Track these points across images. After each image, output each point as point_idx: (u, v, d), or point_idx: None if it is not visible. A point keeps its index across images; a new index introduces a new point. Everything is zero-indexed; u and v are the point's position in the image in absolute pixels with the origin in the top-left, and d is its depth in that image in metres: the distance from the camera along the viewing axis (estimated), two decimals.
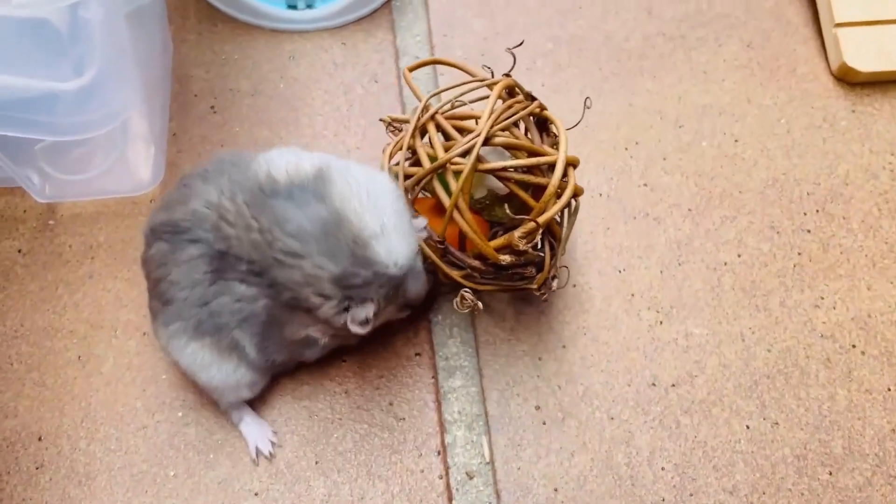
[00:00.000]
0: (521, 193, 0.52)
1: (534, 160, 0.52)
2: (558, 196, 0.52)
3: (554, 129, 0.56)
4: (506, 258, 0.52)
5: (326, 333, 0.52)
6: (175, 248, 0.49)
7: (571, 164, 0.54)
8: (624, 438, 0.58)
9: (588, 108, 0.58)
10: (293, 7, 0.74)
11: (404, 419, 0.58)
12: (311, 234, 0.46)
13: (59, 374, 0.58)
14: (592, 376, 0.60)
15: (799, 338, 0.61)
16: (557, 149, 0.53)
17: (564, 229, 0.56)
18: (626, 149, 0.69)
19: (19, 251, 0.62)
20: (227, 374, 0.52)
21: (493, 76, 0.56)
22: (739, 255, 0.65)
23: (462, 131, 0.53)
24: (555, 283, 0.55)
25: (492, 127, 0.51)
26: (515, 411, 0.58)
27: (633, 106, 0.71)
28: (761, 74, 0.73)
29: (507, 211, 0.53)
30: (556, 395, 0.59)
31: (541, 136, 0.57)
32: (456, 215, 0.51)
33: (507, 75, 0.55)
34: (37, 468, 0.55)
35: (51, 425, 0.56)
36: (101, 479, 0.54)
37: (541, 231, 0.52)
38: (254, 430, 0.55)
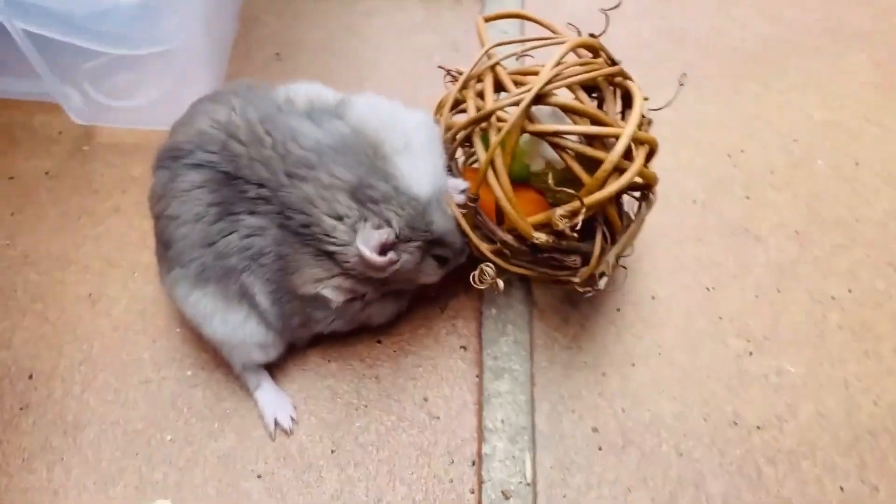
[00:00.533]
0: (575, 167, 0.43)
1: (594, 129, 0.43)
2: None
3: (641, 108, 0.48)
4: (540, 237, 0.43)
5: (340, 293, 0.44)
6: (174, 176, 0.43)
7: (645, 143, 0.45)
8: (693, 480, 0.48)
9: (682, 84, 0.50)
10: None
11: (439, 418, 0.50)
12: (327, 146, 0.41)
13: (66, 309, 0.51)
14: (663, 403, 0.51)
15: None
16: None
17: (633, 224, 0.48)
18: (730, 156, 0.61)
19: (46, 173, 0.56)
20: (233, 326, 0.45)
21: (579, 34, 0.48)
22: (850, 291, 0.55)
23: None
24: (602, 283, 0.46)
25: (550, 81, 0.43)
26: (568, 430, 0.50)
27: (739, 111, 0.63)
28: (888, 94, 0.64)
29: (550, 183, 0.44)
30: (618, 419, 0.50)
31: (622, 114, 0.48)
32: (490, 177, 0.43)
33: (593, 35, 0.47)
34: (21, 409, 0.48)
35: (45, 364, 0.50)
36: (89, 432, 0.48)
37: (587, 213, 0.43)
38: (272, 400, 0.48)
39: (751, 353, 0.53)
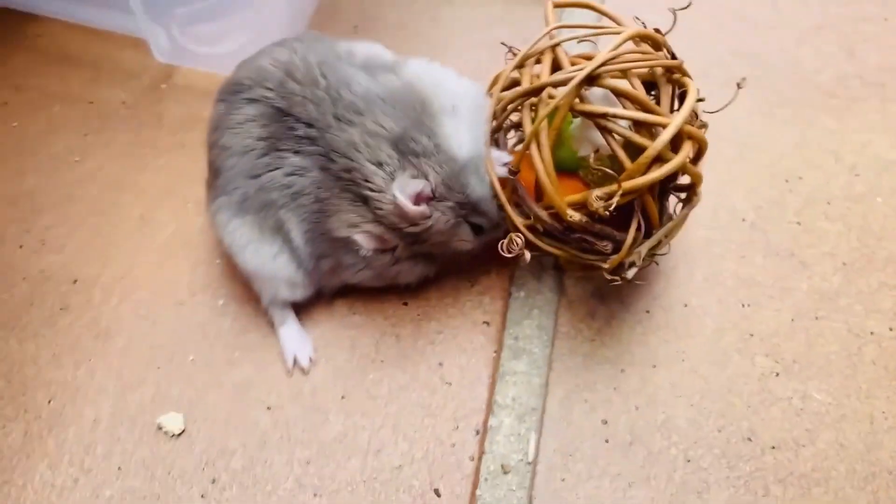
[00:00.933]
0: (619, 151, 0.44)
1: (641, 115, 0.43)
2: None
3: (693, 104, 0.48)
4: (574, 216, 0.44)
5: (372, 241, 0.46)
6: (230, 109, 0.45)
7: (693, 139, 0.45)
8: (697, 488, 0.47)
9: (739, 87, 0.50)
10: None
11: (451, 384, 0.50)
12: (377, 95, 0.43)
13: (118, 226, 0.54)
14: (679, 408, 0.50)
15: None
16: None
17: (673, 220, 0.48)
18: (787, 181, 0.60)
19: (123, 102, 0.60)
20: (264, 258, 0.47)
21: (645, 27, 0.49)
22: (891, 329, 0.54)
23: None
24: (630, 272, 0.46)
25: (604, 63, 0.43)
26: (578, 418, 0.50)
27: (806, 139, 0.62)
28: None
29: (591, 162, 0.44)
30: (631, 415, 0.50)
31: (672, 107, 0.48)
32: (533, 150, 0.44)
33: (658, 31, 0.47)
34: (61, 309, 0.51)
35: (90, 272, 0.52)
36: (118, 340, 0.50)
37: (624, 199, 0.43)
38: (294, 338, 0.50)
39: (777, 374, 0.52)
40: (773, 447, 0.49)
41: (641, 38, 0.48)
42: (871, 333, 0.53)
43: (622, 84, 0.43)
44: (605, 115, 0.44)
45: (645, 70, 0.48)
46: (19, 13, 0.63)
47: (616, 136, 0.44)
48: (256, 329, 0.51)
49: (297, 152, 0.45)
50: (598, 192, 0.43)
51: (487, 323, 0.53)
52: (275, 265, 0.47)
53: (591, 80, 0.44)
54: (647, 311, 0.54)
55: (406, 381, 0.50)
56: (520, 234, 0.46)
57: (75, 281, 0.52)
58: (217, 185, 0.47)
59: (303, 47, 0.46)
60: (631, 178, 0.44)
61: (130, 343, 0.50)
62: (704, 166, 0.60)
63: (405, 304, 0.53)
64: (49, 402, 0.48)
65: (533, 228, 0.47)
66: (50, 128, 0.58)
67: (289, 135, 0.44)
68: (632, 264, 0.45)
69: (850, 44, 0.68)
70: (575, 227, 0.45)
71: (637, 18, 0.51)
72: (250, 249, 0.46)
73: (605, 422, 0.50)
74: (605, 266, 0.46)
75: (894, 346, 0.53)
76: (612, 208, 0.43)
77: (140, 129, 0.59)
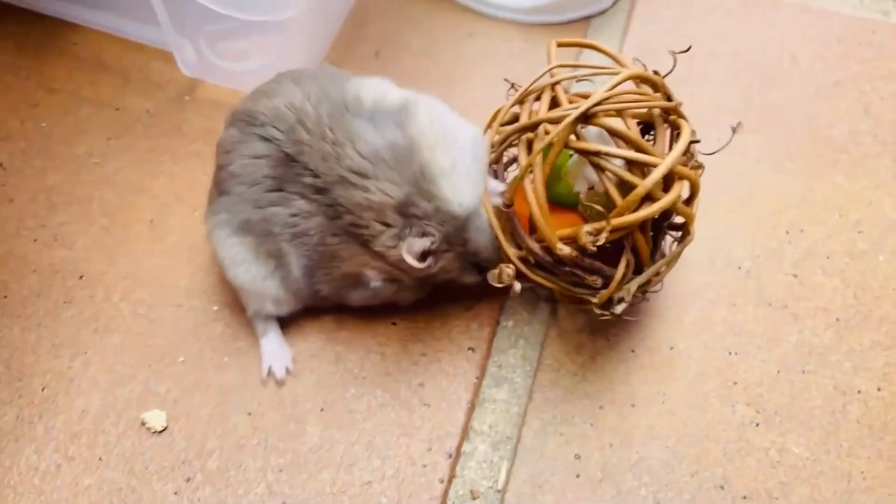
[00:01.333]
0: (611, 188, 0.45)
1: (633, 154, 0.44)
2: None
3: (692, 146, 0.49)
4: (564, 250, 0.45)
5: (380, 276, 0.48)
6: (244, 139, 0.47)
7: (685, 179, 0.46)
8: None
9: (734, 131, 0.50)
10: None
11: (429, 406, 0.51)
12: (381, 156, 0.45)
13: (128, 228, 0.57)
14: (653, 449, 0.50)
15: None
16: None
17: (665, 258, 0.48)
18: (787, 232, 0.60)
19: (147, 111, 0.63)
20: (254, 277, 0.49)
21: (645, 69, 0.50)
22: (879, 389, 0.53)
23: None
24: (619, 308, 0.47)
25: (600, 103, 0.44)
26: (551, 451, 0.50)
27: (812, 193, 0.62)
28: None
29: (582, 198, 0.45)
30: (604, 453, 0.50)
31: (667, 148, 0.49)
32: (526, 183, 0.45)
33: (657, 73, 0.48)
34: (65, 302, 0.53)
35: (96, 269, 0.55)
36: (114, 337, 0.52)
37: (614, 235, 0.44)
38: (273, 350, 0.51)
39: (757, 424, 0.52)
40: (745, 497, 0.49)
41: (640, 79, 0.49)
42: (858, 392, 0.53)
43: (616, 123, 0.45)
44: (597, 153, 0.45)
45: (643, 111, 0.49)
46: (61, 21, 0.67)
47: (609, 174, 0.45)
48: (246, 337, 0.53)
49: (303, 197, 0.47)
50: (587, 227, 0.44)
51: (472, 349, 0.54)
52: (264, 285, 0.49)
53: (587, 118, 0.45)
54: (633, 351, 0.54)
55: (386, 400, 0.51)
56: (510, 266, 0.47)
57: (81, 277, 0.54)
58: (221, 202, 0.49)
59: (317, 92, 0.47)
60: (621, 215, 0.45)
61: (126, 340, 0.52)
62: (704, 211, 0.60)
63: (394, 323, 0.54)
64: (43, 389, 0.50)
65: (525, 260, 0.49)
66: (76, 130, 0.61)
67: (296, 179, 0.47)
68: (620, 300, 0.46)
69: (866, 101, 0.68)
70: (565, 260, 0.46)
71: (637, 60, 0.52)
72: (243, 268, 0.49)
73: (577, 456, 0.50)
74: (595, 301, 0.47)
75: (881, 407, 0.52)
76: (600, 244, 0.44)
77: (160, 137, 0.61)
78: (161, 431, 0.49)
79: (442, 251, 0.46)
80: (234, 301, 0.54)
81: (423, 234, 0.45)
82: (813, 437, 0.51)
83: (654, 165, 0.44)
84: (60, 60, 0.65)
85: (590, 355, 0.54)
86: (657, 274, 0.49)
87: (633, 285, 0.47)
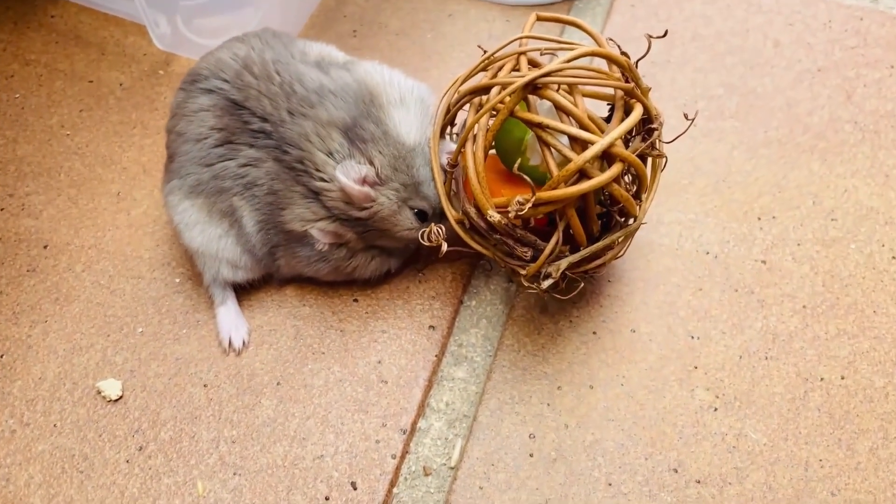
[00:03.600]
0: (551, 163, 0.44)
1: (570, 129, 0.43)
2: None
3: (656, 130, 0.48)
4: (494, 216, 0.44)
5: (327, 236, 0.47)
6: (188, 97, 0.48)
7: (626, 162, 0.45)
8: None
9: (689, 119, 0.50)
10: None
11: (386, 383, 0.51)
12: (329, 89, 0.45)
13: (94, 199, 0.57)
14: (609, 431, 0.50)
15: (878, 496, 0.48)
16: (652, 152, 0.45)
17: (601, 241, 0.47)
18: (759, 218, 0.60)
19: (121, 84, 0.63)
20: (209, 238, 0.49)
21: (620, 50, 0.49)
22: (843, 378, 0.53)
23: None
24: (546, 283, 0.46)
25: (549, 74, 0.43)
26: (507, 430, 0.50)
27: (786, 179, 0.62)
28: None
29: (516, 166, 0.46)
30: (558, 433, 0.50)
31: (634, 133, 0.48)
32: (468, 146, 0.45)
33: (625, 54, 0.48)
34: (28, 271, 0.54)
35: (61, 239, 0.55)
36: (76, 306, 0.52)
37: (543, 210, 0.44)
38: (231, 319, 0.51)
39: (715, 409, 0.51)
40: (699, 481, 0.48)
41: (607, 60, 0.48)
42: (821, 379, 0.52)
43: (560, 98, 0.44)
44: (539, 125, 0.44)
45: (608, 91, 0.48)
46: None
47: (552, 149, 0.45)
48: (206, 310, 0.53)
49: (251, 146, 0.47)
50: (519, 197, 0.44)
51: (433, 327, 0.54)
52: (219, 245, 0.49)
53: (535, 88, 0.44)
54: (594, 333, 0.54)
55: (343, 375, 0.51)
56: (441, 226, 0.48)
57: (46, 246, 0.55)
58: (171, 169, 0.49)
59: (260, 44, 0.48)
60: (552, 188, 0.44)
61: (87, 310, 0.52)
62: (675, 196, 0.60)
63: (356, 300, 0.54)
64: (1, 356, 0.50)
65: (462, 222, 0.48)
66: (49, 102, 0.61)
67: (243, 128, 0.47)
68: (548, 275, 0.46)
69: (849, 88, 0.67)
70: (497, 227, 0.46)
71: (612, 40, 0.51)
72: (197, 229, 0.49)
73: (532, 436, 0.50)
74: (523, 273, 0.47)
75: (843, 395, 0.52)
76: (522, 214, 0.43)
77: (132, 111, 0.61)
78: (116, 400, 0.49)
79: (384, 182, 0.46)
80: (197, 274, 0.54)
81: (363, 163, 0.46)
82: (771, 424, 0.51)
83: (591, 143, 0.43)
84: (38, 33, 0.65)
85: (550, 336, 0.54)
86: (597, 257, 0.48)
87: (564, 263, 0.47)
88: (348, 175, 0.44)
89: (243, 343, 0.51)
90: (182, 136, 0.48)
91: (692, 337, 0.54)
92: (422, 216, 0.49)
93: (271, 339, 0.52)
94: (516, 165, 0.46)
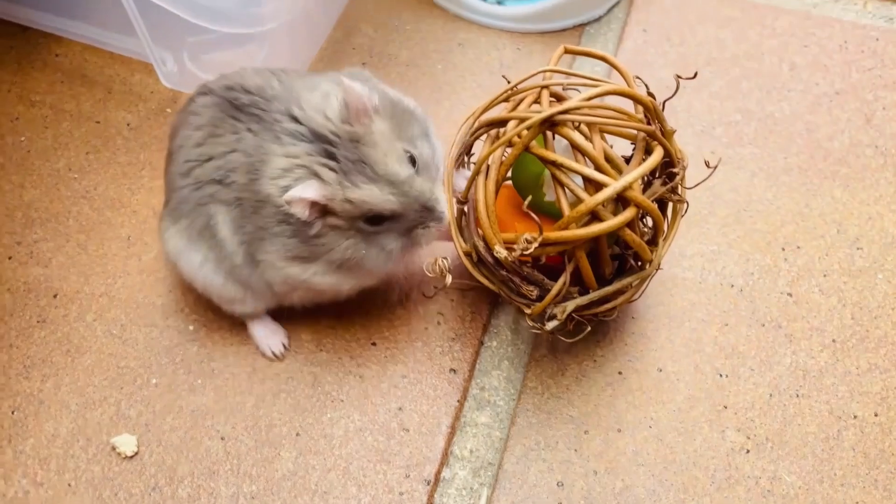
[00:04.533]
0: (563, 202, 0.43)
1: (585, 170, 0.42)
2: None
3: (678, 174, 0.47)
4: (501, 252, 0.43)
5: (308, 192, 0.42)
6: (182, 110, 0.48)
7: (639, 207, 0.43)
8: None
9: (710, 167, 0.48)
10: None
11: (408, 431, 0.50)
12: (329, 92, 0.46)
13: (104, 245, 0.56)
14: (639, 477, 0.49)
15: None
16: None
17: (612, 285, 0.46)
18: (783, 249, 0.58)
19: (128, 124, 0.62)
20: (193, 267, 0.48)
21: (647, 91, 0.48)
22: (877, 415, 0.51)
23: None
24: (550, 325, 0.45)
25: (567, 111, 0.42)
26: (534, 478, 0.49)
27: (808, 207, 0.60)
28: None
29: (526, 204, 0.44)
30: (588, 481, 0.49)
31: (655, 176, 0.47)
32: (479, 179, 0.44)
33: (651, 95, 0.47)
34: (38, 322, 0.52)
35: (71, 287, 0.54)
36: (87, 358, 0.51)
37: (552, 250, 0.43)
38: (263, 331, 0.52)
39: (748, 451, 0.50)
40: None
41: (631, 99, 0.46)
42: (854, 417, 0.51)
43: (577, 136, 0.43)
44: (554, 163, 0.43)
45: (631, 132, 0.47)
46: (45, 34, 0.66)
47: (563, 187, 0.44)
48: (222, 357, 0.52)
49: (233, 130, 0.45)
50: (527, 235, 0.43)
51: (454, 371, 0.52)
52: (203, 275, 0.47)
53: (552, 125, 0.43)
54: (620, 373, 0.53)
55: (364, 424, 0.50)
56: (446, 258, 0.46)
57: (55, 295, 0.53)
58: (166, 205, 0.49)
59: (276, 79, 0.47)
60: (562, 229, 0.43)
61: (99, 361, 0.51)
62: (697, 227, 0.59)
63: (374, 343, 0.53)
64: (13, 412, 0.49)
65: (469, 255, 0.47)
66: (56, 144, 0.60)
67: (228, 111, 0.46)
68: (553, 317, 0.45)
69: (868, 111, 0.66)
70: (504, 264, 0.45)
71: (638, 79, 0.50)
72: (183, 259, 0.48)
73: (560, 484, 0.48)
74: (528, 312, 0.46)
75: (877, 433, 0.50)
76: (528, 253, 0.42)
77: (140, 151, 0.60)
78: (132, 457, 0.48)
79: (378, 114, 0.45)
80: (211, 320, 0.53)
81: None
82: (805, 466, 0.49)
83: (607, 185, 0.42)
84: (43, 73, 0.64)
85: (575, 377, 0.52)
86: (607, 300, 0.47)
87: (570, 305, 0.46)
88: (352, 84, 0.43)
89: (284, 347, 0.51)
90: (170, 156, 0.47)
91: (720, 375, 0.53)
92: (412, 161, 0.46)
93: (289, 388, 0.51)
94: (527, 202, 0.44)
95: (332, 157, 0.43)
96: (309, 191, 0.42)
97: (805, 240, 0.59)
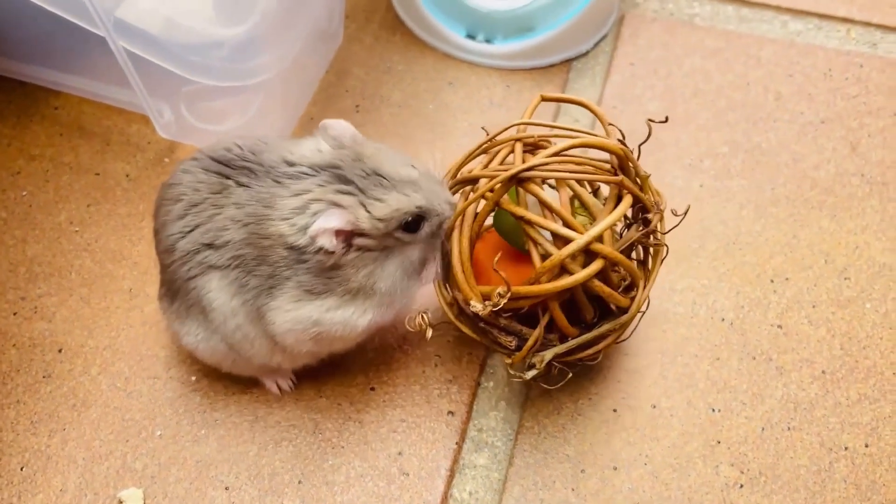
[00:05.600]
0: (535, 255, 0.44)
1: (552, 225, 0.43)
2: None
3: (654, 223, 0.47)
4: (476, 306, 0.44)
5: (340, 219, 0.43)
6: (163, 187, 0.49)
7: (605, 259, 0.44)
8: None
9: (681, 216, 0.49)
10: (472, 37, 0.72)
11: (408, 475, 0.51)
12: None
13: (106, 297, 0.57)
14: None
15: None
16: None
17: (588, 334, 0.47)
18: (772, 281, 0.59)
19: (127, 175, 0.63)
20: (190, 341, 0.48)
21: (622, 138, 0.49)
22: (867, 446, 0.52)
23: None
24: (530, 374, 0.47)
25: (532, 168, 0.43)
26: None
27: (796, 238, 0.61)
28: None
29: (494, 264, 0.44)
30: None
31: (631, 223, 0.48)
32: (454, 237, 0.45)
33: (622, 142, 0.47)
34: (44, 377, 0.53)
35: (75, 342, 0.55)
36: (93, 411, 0.52)
37: (521, 301, 0.45)
38: (270, 377, 0.53)
39: (741, 486, 0.51)
40: None
41: (597, 148, 0.47)
42: (845, 448, 0.52)
43: (543, 194, 0.44)
44: (523, 218, 0.44)
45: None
46: (43, 88, 0.67)
47: (533, 240, 0.45)
48: (225, 407, 0.53)
49: (221, 190, 0.45)
50: (500, 289, 0.44)
51: (452, 413, 0.53)
52: (202, 349, 0.48)
53: (520, 181, 0.44)
54: (615, 410, 0.54)
55: (364, 470, 0.51)
56: (427, 312, 0.47)
57: (60, 350, 0.55)
58: (159, 284, 0.50)
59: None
60: (534, 283, 0.44)
61: (104, 415, 0.52)
62: (687, 261, 0.60)
63: (372, 388, 0.54)
64: (21, 468, 0.50)
65: (451, 305, 0.48)
66: (56, 197, 0.62)
67: (214, 169, 0.46)
68: (532, 366, 0.46)
69: (853, 139, 0.67)
70: (480, 316, 0.46)
71: (613, 125, 0.50)
72: (183, 339, 0.49)
73: None
74: (508, 362, 0.47)
75: (868, 464, 0.51)
76: (497, 308, 0.44)
77: (139, 202, 0.62)
78: None
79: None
80: (212, 371, 0.54)
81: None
82: (798, 499, 0.50)
83: (570, 239, 0.43)
84: (41, 126, 0.66)
85: (570, 416, 0.54)
86: (589, 345, 0.48)
87: (549, 354, 0.47)
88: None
89: (293, 382, 0.53)
90: (156, 235, 0.48)
91: (713, 410, 0.54)
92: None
93: (290, 436, 0.52)
94: (496, 259, 0.45)
95: (343, 180, 0.44)
96: (333, 220, 0.42)
97: (793, 271, 0.60)
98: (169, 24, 0.57)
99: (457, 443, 0.52)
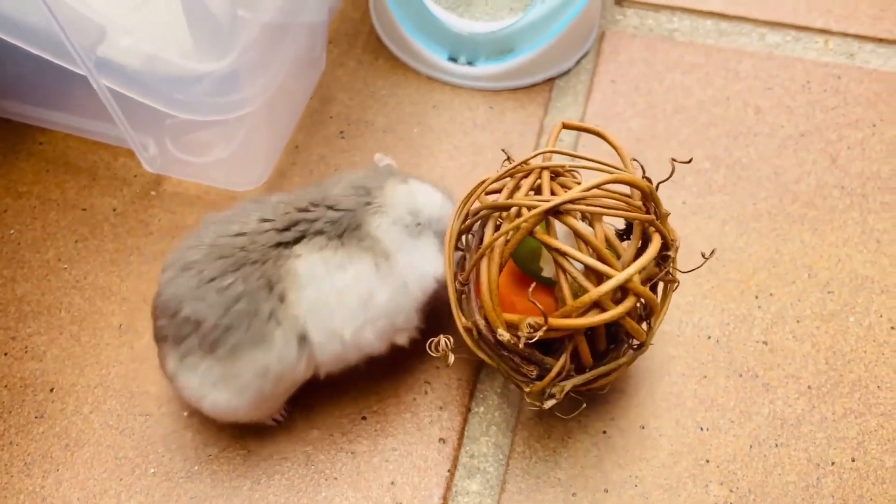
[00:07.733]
0: (565, 288, 0.45)
1: (588, 259, 0.44)
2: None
3: (672, 260, 0.48)
4: (504, 335, 0.45)
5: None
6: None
7: (639, 296, 0.45)
8: None
9: (705, 258, 0.50)
10: (454, 60, 0.73)
11: None
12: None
13: (96, 335, 0.57)
14: None
15: None
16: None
17: (607, 365, 0.48)
18: (757, 297, 0.60)
19: (114, 210, 0.63)
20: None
21: (643, 173, 0.49)
22: (854, 460, 0.53)
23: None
24: (548, 403, 0.47)
25: (571, 201, 0.44)
26: None
27: (779, 253, 0.62)
28: None
29: (529, 294, 0.45)
30: None
31: (658, 263, 0.49)
32: (483, 263, 0.45)
33: (647, 179, 0.48)
34: (36, 417, 0.54)
35: (66, 380, 0.55)
36: (86, 451, 0.53)
37: (553, 334, 0.45)
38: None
39: None
40: None
41: (629, 185, 0.47)
42: (832, 463, 0.53)
43: (580, 227, 0.45)
44: (557, 250, 0.45)
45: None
46: (28, 125, 0.67)
47: (566, 273, 0.45)
48: (217, 442, 0.53)
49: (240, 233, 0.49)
50: (530, 319, 0.45)
51: (443, 440, 0.54)
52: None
53: (557, 213, 0.45)
54: (605, 432, 0.54)
55: (357, 501, 0.51)
56: (449, 337, 0.47)
57: (52, 389, 0.55)
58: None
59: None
60: (566, 316, 0.45)
61: (97, 454, 0.52)
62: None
63: (364, 417, 0.55)
64: None
65: (470, 331, 0.49)
66: (44, 235, 0.62)
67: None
68: (551, 396, 0.46)
69: (832, 151, 0.68)
70: (505, 344, 0.46)
71: (635, 161, 0.51)
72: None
73: None
74: (527, 390, 0.47)
75: (855, 479, 0.52)
76: (532, 340, 0.44)
77: (127, 237, 0.62)
78: None
79: None
80: None
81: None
82: None
83: (609, 276, 0.44)
84: (27, 163, 0.66)
85: (561, 439, 0.54)
86: (602, 377, 0.49)
87: (568, 385, 0.48)
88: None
89: (285, 411, 0.53)
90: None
91: (701, 429, 0.54)
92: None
93: (283, 469, 0.52)
94: (531, 289, 0.46)
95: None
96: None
97: (777, 286, 0.61)
98: (150, 60, 0.57)
99: (449, 470, 0.53)
